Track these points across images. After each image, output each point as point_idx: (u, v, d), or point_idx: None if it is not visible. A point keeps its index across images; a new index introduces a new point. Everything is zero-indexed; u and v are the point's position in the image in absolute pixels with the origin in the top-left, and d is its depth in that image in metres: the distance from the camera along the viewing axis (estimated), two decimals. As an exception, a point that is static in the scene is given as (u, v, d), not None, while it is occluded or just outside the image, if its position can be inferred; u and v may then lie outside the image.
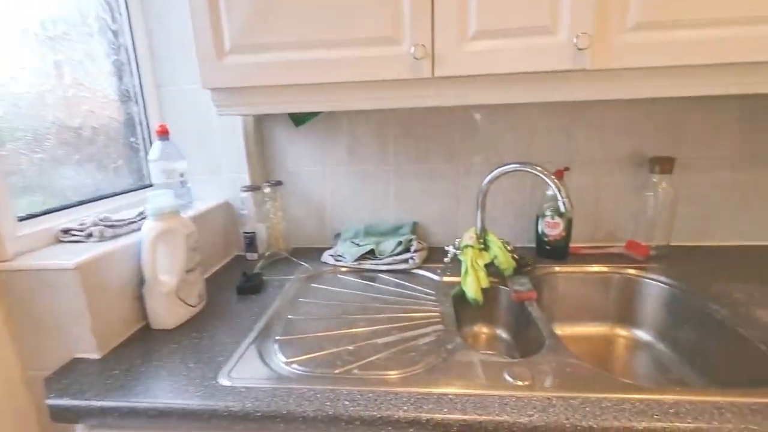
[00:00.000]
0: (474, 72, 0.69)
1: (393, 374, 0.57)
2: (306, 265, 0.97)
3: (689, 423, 0.46)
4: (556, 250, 0.95)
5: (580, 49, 0.66)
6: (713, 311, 0.72)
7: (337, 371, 0.58)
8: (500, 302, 0.86)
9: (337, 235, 1.08)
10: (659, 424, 0.46)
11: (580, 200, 1.01)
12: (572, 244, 0.96)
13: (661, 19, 0.65)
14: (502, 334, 0.86)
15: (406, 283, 0.88)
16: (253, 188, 0.97)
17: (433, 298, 0.81)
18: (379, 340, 0.65)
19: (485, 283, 0.83)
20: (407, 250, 0.97)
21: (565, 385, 0.53)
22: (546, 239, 0.96)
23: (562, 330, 0.91)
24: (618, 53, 0.67)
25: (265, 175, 1.07)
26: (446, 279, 0.89)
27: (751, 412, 0.47)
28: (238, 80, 0.74)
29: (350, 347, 0.64)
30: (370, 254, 0.96)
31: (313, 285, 0.88)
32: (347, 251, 0.96)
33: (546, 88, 0.71)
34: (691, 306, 0.77)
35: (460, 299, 0.85)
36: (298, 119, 1.01)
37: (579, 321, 0.92)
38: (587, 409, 0.48)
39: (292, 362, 0.61)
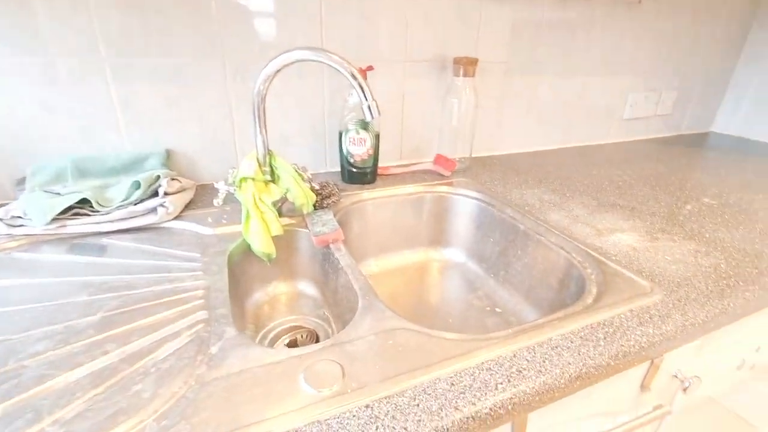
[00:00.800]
0: None
1: (86, 451, 0.29)
2: (-63, 244, 0.52)
3: (534, 379, 0.36)
4: (364, 173, 0.78)
5: None
6: (514, 220, 0.69)
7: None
8: (300, 249, 0.65)
9: (22, 181, 0.63)
10: (505, 395, 0.34)
11: (385, 111, 0.85)
12: (380, 165, 0.81)
13: None
14: (307, 289, 0.66)
15: (156, 248, 0.56)
16: None
17: (197, 264, 0.52)
18: (73, 375, 0.35)
19: (277, 228, 0.59)
20: (155, 194, 0.63)
21: (388, 370, 0.36)
22: (351, 160, 0.77)
23: (376, 265, 0.78)
24: None
25: None
26: (221, 230, 0.61)
27: (583, 341, 0.41)
28: None
29: (-7, 413, 0.31)
30: (85, 206, 0.58)
31: (-58, 284, 0.46)
32: (35, 207, 0.55)
33: None
34: (495, 217, 0.74)
35: (243, 256, 0.59)
36: None
37: (393, 251, 0.81)
38: (420, 406, 0.33)
39: None
